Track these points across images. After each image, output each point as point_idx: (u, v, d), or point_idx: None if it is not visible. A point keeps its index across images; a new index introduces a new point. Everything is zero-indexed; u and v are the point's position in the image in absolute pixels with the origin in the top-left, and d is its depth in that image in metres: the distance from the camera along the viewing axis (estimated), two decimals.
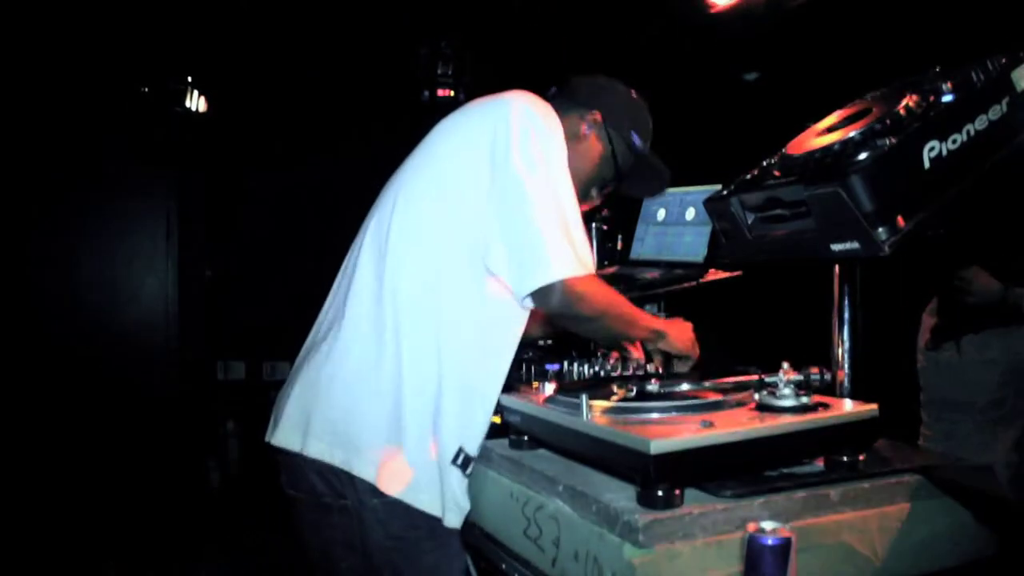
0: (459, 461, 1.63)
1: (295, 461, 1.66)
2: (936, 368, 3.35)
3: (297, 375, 1.74)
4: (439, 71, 5.08)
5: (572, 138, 1.82)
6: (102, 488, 5.43)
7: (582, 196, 1.87)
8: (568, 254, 1.55)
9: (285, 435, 1.68)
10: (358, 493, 1.59)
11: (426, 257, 1.66)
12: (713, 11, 4.92)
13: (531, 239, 1.55)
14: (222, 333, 5.97)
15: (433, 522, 1.61)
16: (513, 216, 1.58)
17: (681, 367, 1.82)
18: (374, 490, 1.58)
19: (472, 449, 1.65)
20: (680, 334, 1.80)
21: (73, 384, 5.75)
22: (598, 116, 1.90)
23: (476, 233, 1.62)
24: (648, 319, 1.80)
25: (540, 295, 1.56)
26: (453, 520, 1.63)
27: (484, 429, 1.68)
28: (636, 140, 1.93)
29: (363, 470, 1.59)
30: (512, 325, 1.71)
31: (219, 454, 6.00)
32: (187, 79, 5.86)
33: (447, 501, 1.62)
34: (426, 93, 5.15)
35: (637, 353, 1.91)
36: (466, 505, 1.65)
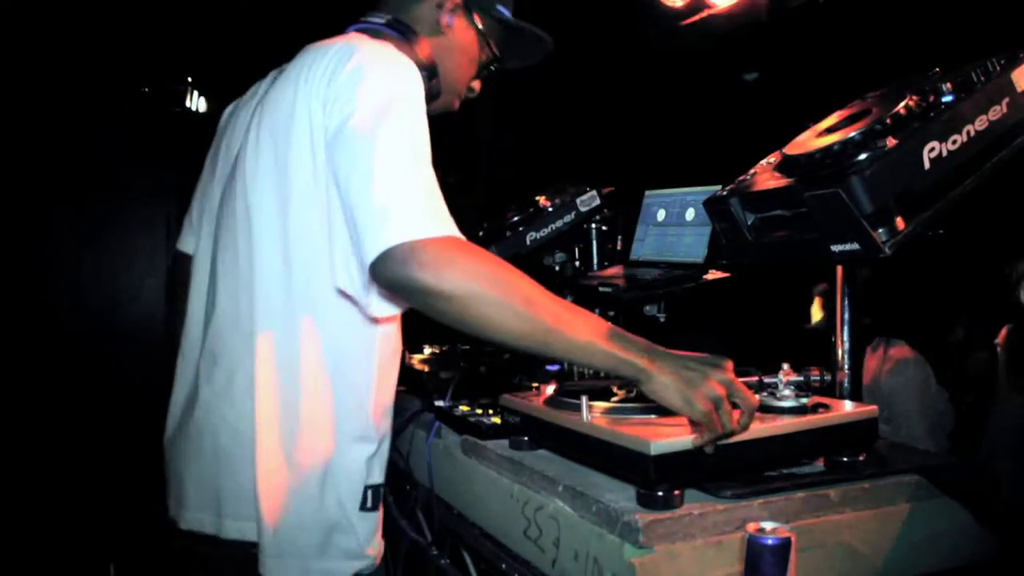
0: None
1: None
2: None
3: None
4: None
5: (434, 32, 1.63)
6: (102, 488, 5.43)
7: (463, 90, 1.73)
8: (414, 213, 1.22)
9: None
10: None
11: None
12: (712, 11, 4.92)
13: (368, 204, 1.24)
14: None
15: None
16: (354, 175, 1.28)
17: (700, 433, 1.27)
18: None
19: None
20: (685, 379, 1.23)
21: (74, 384, 5.76)
22: (457, 0, 1.66)
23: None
24: (579, 327, 1.27)
25: (380, 266, 1.21)
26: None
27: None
28: (504, 12, 1.72)
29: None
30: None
31: None
32: (187, 79, 5.86)
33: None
34: None
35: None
36: None
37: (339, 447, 1.46)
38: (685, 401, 1.21)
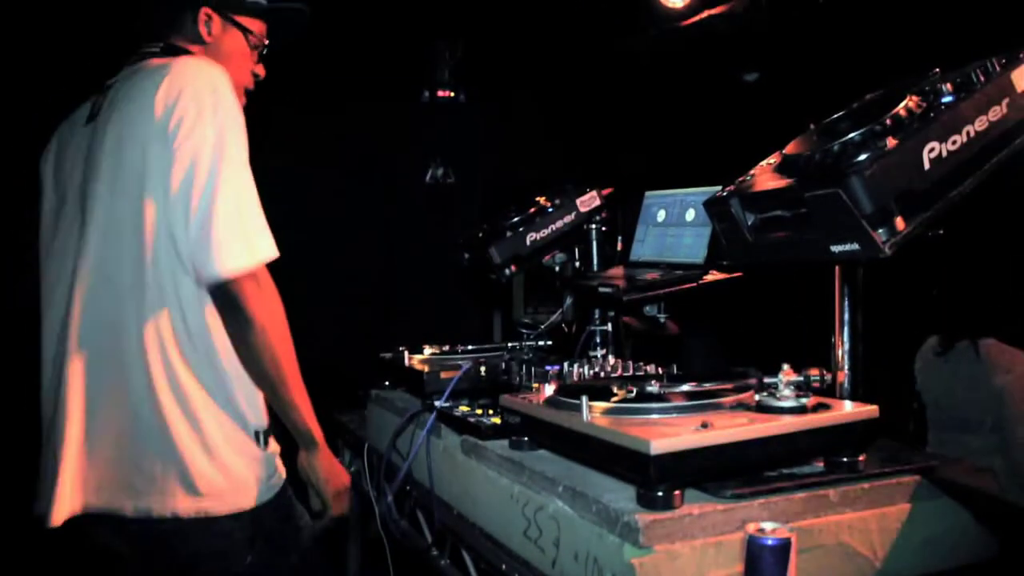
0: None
1: None
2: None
3: None
4: (439, 72, 5.10)
5: (205, 48, 1.81)
6: None
7: (245, 84, 1.90)
8: (242, 246, 1.55)
9: None
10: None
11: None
12: (714, 11, 4.93)
13: (211, 226, 1.53)
14: None
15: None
16: (197, 203, 1.54)
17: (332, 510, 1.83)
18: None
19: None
20: (332, 471, 1.80)
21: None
22: (208, 10, 1.83)
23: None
24: (307, 405, 1.72)
25: (224, 289, 1.56)
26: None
27: None
28: (252, 1, 1.89)
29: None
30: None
31: None
32: None
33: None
34: (426, 94, 5.17)
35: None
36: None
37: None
38: (327, 481, 1.79)
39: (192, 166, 1.54)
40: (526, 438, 1.68)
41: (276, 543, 1.73)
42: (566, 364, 2.01)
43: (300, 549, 1.79)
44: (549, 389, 1.64)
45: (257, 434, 1.71)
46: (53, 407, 1.72)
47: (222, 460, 1.64)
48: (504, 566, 1.64)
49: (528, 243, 2.40)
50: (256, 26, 1.90)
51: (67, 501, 1.64)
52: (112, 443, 1.63)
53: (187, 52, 1.78)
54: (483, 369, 2.16)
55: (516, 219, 2.47)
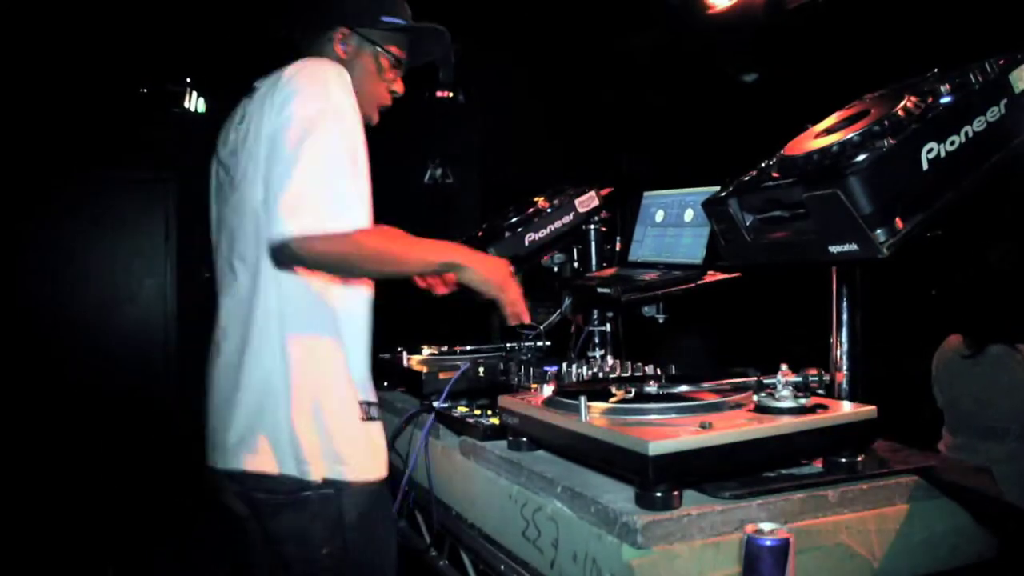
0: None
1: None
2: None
3: None
4: (439, 72, 5.10)
5: (340, 63, 1.84)
6: (100, 490, 5.43)
7: (379, 103, 1.97)
8: (305, 213, 1.58)
9: None
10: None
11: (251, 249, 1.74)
12: (712, 12, 4.93)
13: (281, 196, 1.59)
14: None
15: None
16: (275, 176, 1.63)
17: (507, 310, 1.84)
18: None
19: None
20: (484, 271, 1.80)
21: (71, 385, 5.76)
22: (344, 30, 1.91)
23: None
24: (433, 252, 1.78)
25: (277, 253, 1.61)
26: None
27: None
28: (393, 20, 1.94)
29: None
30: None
31: None
32: (186, 80, 5.86)
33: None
34: (426, 93, 5.16)
35: (440, 288, 1.98)
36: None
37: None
38: (488, 281, 1.80)
39: (284, 142, 1.64)
40: (524, 439, 1.68)
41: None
42: (564, 365, 2.01)
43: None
44: (547, 390, 1.64)
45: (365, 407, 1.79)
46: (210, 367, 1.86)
47: (328, 430, 1.70)
48: (503, 567, 1.64)
49: (527, 243, 2.40)
50: (394, 45, 1.96)
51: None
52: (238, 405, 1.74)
53: None
54: (481, 370, 2.15)
55: (514, 219, 2.46)
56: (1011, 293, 3.03)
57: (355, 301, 1.79)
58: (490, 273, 1.81)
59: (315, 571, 1.72)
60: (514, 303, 1.85)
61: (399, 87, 2.01)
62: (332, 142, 1.65)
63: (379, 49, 1.93)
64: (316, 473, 1.66)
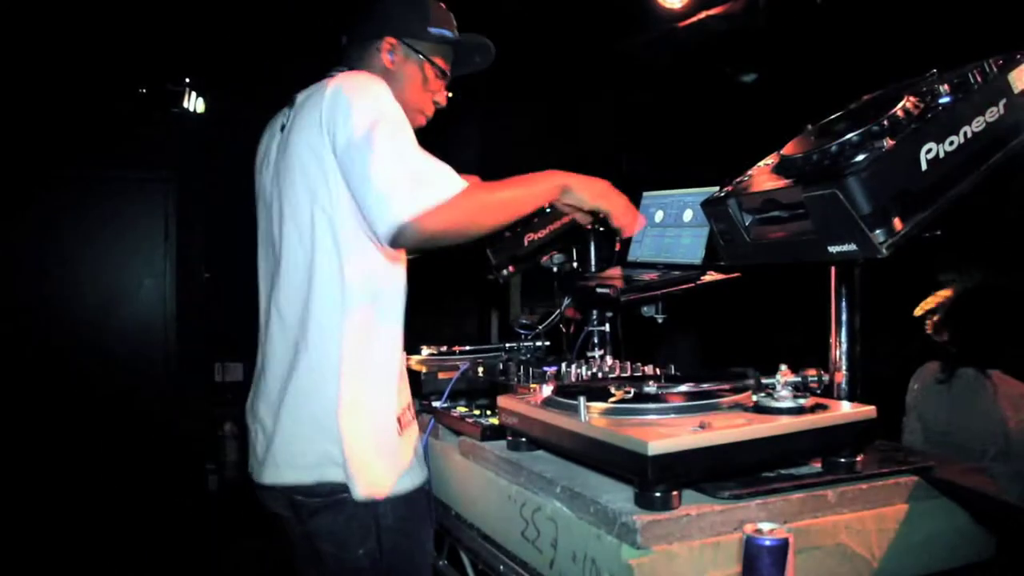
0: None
1: None
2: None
3: None
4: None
5: (386, 74, 1.92)
6: (99, 490, 5.43)
7: (425, 108, 2.03)
8: (405, 196, 1.62)
9: None
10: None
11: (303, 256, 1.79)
12: (711, 12, 4.93)
13: (372, 191, 1.64)
14: (220, 334, 5.96)
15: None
16: (356, 178, 1.67)
17: (617, 222, 1.94)
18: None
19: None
20: (588, 185, 1.91)
21: (71, 385, 5.75)
22: (392, 40, 1.95)
23: (335, 211, 1.74)
24: (542, 180, 1.88)
25: (396, 240, 1.65)
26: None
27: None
28: (439, 31, 2.00)
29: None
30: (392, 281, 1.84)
31: (217, 457, 5.98)
32: (185, 80, 5.86)
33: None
34: None
35: (581, 217, 2.05)
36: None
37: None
38: (592, 196, 1.93)
39: (355, 143, 1.68)
40: (524, 439, 1.68)
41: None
42: (564, 365, 2.01)
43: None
44: (547, 390, 1.64)
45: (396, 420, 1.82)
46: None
47: (364, 445, 1.74)
48: (502, 567, 1.64)
49: (526, 243, 2.40)
50: (439, 56, 2.02)
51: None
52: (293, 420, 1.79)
53: None
54: (481, 370, 2.16)
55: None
56: (981, 320, 3.08)
57: (392, 318, 1.84)
58: (594, 188, 1.92)
59: (350, 570, 1.76)
60: (622, 214, 1.96)
61: (442, 98, 2.07)
62: (399, 131, 1.70)
63: (425, 60, 1.99)
64: (357, 491, 1.71)
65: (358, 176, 1.67)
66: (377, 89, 1.75)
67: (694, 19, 4.99)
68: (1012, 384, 2.97)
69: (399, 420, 1.80)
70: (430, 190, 1.64)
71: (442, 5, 2.05)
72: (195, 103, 5.97)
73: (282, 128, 1.90)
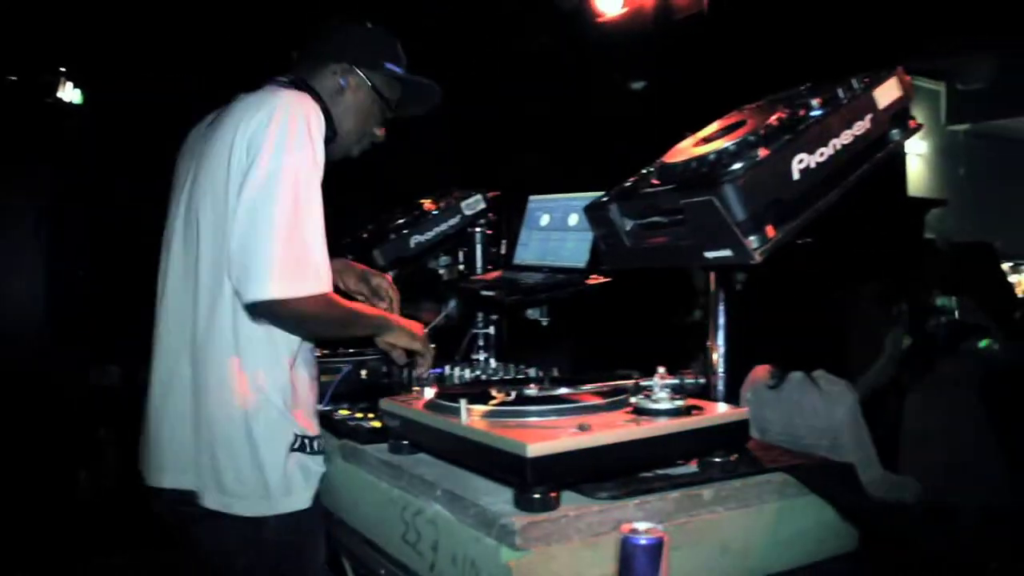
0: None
1: None
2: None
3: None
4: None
5: (334, 95, 1.94)
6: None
7: (363, 139, 2.04)
8: (276, 278, 1.62)
9: None
10: None
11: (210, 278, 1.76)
12: (601, 20, 5.01)
13: (250, 255, 1.64)
14: (96, 336, 5.72)
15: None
16: (242, 227, 1.65)
17: (421, 364, 1.98)
18: None
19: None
20: (407, 329, 1.95)
21: None
22: (347, 66, 1.97)
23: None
24: (376, 317, 1.93)
25: (253, 310, 1.67)
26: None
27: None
28: (394, 68, 2.02)
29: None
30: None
31: (94, 462, 5.74)
32: (60, 69, 5.63)
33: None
34: None
35: (397, 355, 2.01)
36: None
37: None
38: (412, 340, 1.95)
39: (253, 188, 1.65)
40: (406, 442, 1.67)
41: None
42: (447, 367, 2.00)
43: None
44: (429, 392, 1.63)
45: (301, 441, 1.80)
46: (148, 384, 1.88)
47: (259, 460, 1.73)
48: (383, 571, 1.63)
49: (412, 245, 2.39)
50: (389, 92, 2.03)
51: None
52: (179, 426, 1.78)
53: (312, 91, 1.88)
54: (364, 372, 2.13)
55: (401, 221, 2.45)
56: (808, 325, 3.21)
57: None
58: (411, 332, 1.95)
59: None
60: (427, 361, 1.99)
61: (381, 134, 2.08)
62: (308, 203, 1.68)
63: (375, 92, 1.99)
64: (238, 508, 1.70)
65: (245, 228, 1.64)
66: (314, 139, 1.72)
67: (587, 25, 5.06)
68: (832, 379, 3.10)
69: (300, 436, 1.79)
70: (301, 284, 1.65)
71: (399, 44, 2.07)
72: (70, 93, 5.73)
73: (210, 124, 1.87)
